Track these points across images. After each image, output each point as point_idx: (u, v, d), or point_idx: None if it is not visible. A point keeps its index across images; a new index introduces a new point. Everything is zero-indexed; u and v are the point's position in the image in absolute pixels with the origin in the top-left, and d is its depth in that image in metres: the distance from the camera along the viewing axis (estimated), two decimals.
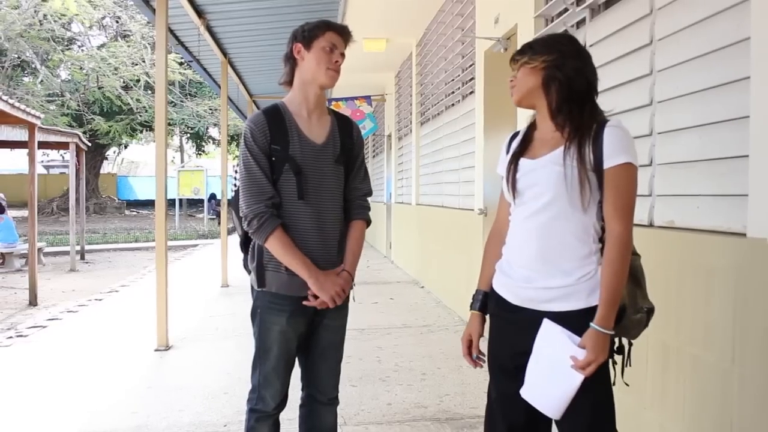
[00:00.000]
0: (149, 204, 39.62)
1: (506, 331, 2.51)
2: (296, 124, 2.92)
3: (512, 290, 2.45)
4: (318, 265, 2.88)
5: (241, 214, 2.89)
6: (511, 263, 2.47)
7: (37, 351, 6.69)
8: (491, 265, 2.61)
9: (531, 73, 2.41)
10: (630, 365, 2.46)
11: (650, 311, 2.41)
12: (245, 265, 3.05)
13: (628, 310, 2.32)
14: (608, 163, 2.27)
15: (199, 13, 8.73)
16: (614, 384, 2.38)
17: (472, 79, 7.67)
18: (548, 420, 2.45)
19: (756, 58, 2.77)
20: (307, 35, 2.90)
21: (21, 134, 11.88)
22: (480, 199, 6.97)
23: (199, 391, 5.14)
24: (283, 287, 2.88)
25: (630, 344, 2.45)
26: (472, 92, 7.68)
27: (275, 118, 2.90)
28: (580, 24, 4.77)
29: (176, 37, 9.96)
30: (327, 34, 2.89)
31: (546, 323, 2.32)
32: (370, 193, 3.16)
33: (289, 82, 3.01)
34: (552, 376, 2.30)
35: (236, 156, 44.06)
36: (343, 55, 2.96)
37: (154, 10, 7.20)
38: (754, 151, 2.77)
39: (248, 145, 2.86)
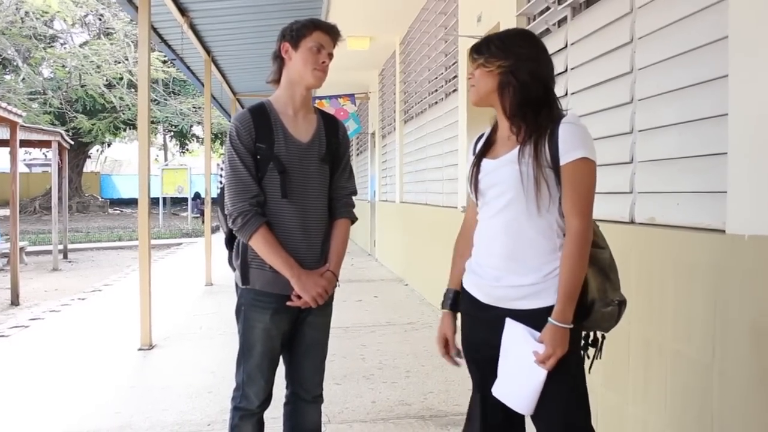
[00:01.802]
0: (133, 202, 39.42)
1: (479, 329, 2.52)
2: (282, 123, 2.93)
3: (483, 289, 2.46)
4: (302, 264, 2.89)
5: (226, 212, 2.91)
6: (480, 263, 2.49)
7: (19, 351, 6.68)
8: (461, 263, 2.63)
9: (487, 75, 2.42)
10: (600, 358, 2.48)
11: (621, 304, 2.42)
12: (230, 263, 3.05)
13: (597, 303, 2.33)
14: (564, 159, 2.28)
15: (182, 10, 8.72)
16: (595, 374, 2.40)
17: (455, 77, 7.70)
18: (522, 417, 2.46)
19: (734, 57, 2.79)
20: (294, 35, 2.90)
21: (2, 132, 11.80)
22: (463, 196, 6.94)
23: (183, 390, 5.13)
24: (267, 285, 2.89)
25: (603, 337, 2.47)
26: (455, 90, 7.72)
27: (261, 117, 2.91)
28: (561, 22, 4.80)
29: (159, 35, 9.95)
30: (315, 33, 2.89)
31: (509, 322, 2.35)
32: (355, 192, 3.18)
33: (277, 81, 3.01)
34: (518, 372, 2.32)
35: (221, 154, 43.91)
36: (330, 55, 2.96)
37: (136, 8, 7.20)
38: (732, 148, 2.80)
39: (233, 144, 2.87)
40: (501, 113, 2.45)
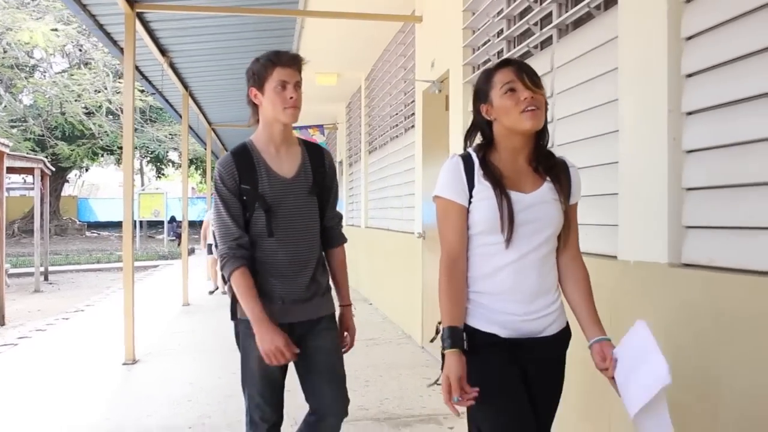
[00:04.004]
0: (110, 225, 39.37)
1: (507, 359, 2.35)
2: (264, 162, 2.91)
3: (507, 325, 2.35)
4: (288, 297, 2.92)
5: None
6: (505, 299, 2.36)
7: (10, 367, 7.07)
8: (462, 299, 2.36)
9: (543, 102, 2.36)
10: None
11: None
12: None
13: None
14: (574, 199, 2.46)
15: (163, 51, 9.24)
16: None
17: (412, 114, 8.07)
18: None
19: (623, 115, 3.34)
20: (257, 78, 2.86)
21: None
22: (419, 223, 7.39)
23: (165, 399, 5.59)
24: None
25: None
26: (413, 126, 8.08)
27: (243, 158, 2.89)
28: None
29: (141, 73, 10.41)
30: (275, 72, 2.83)
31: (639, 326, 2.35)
32: (341, 217, 3.21)
33: (258, 121, 2.98)
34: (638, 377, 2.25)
35: (195, 179, 43.27)
36: (297, 85, 2.89)
37: (122, 50, 7.73)
38: (621, 189, 3.36)
39: (218, 188, 2.88)
40: (526, 142, 2.41)
